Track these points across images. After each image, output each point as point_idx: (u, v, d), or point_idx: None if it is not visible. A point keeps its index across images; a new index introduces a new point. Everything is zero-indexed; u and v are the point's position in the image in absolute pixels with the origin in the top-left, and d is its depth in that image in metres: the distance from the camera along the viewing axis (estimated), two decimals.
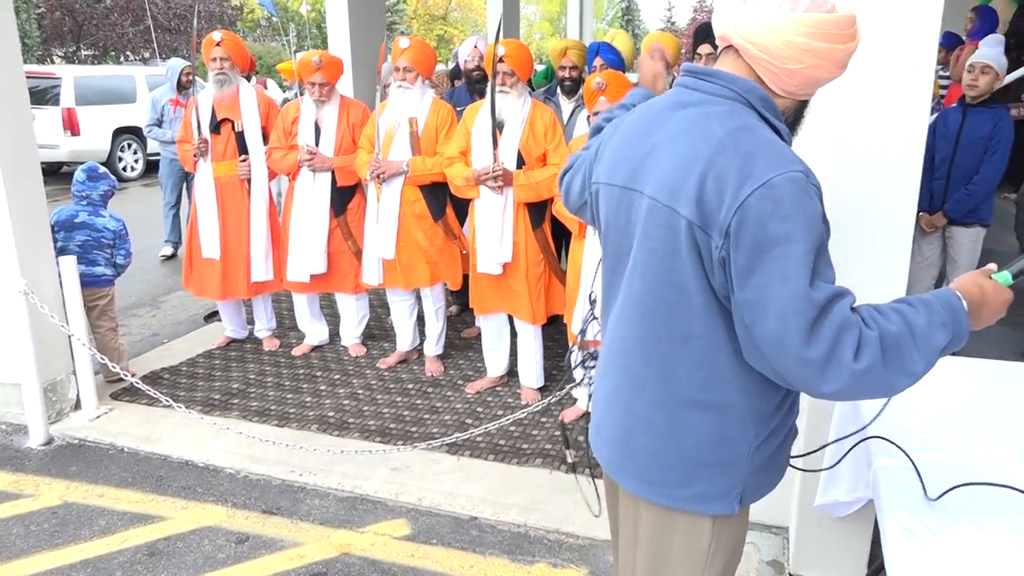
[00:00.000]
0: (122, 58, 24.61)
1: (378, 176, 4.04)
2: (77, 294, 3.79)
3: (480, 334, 4.31)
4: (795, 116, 1.48)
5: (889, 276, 2.40)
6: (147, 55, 23.99)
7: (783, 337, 1.25)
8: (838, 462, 1.89)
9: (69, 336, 3.81)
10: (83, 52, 24.14)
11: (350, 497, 3.23)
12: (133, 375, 3.90)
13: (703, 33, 4.23)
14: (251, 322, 5.01)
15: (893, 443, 1.70)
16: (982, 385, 2.12)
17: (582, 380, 3.62)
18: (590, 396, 2.56)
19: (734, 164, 1.28)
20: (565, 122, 4.37)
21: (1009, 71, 5.44)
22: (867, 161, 2.33)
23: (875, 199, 2.36)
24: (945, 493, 1.54)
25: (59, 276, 3.81)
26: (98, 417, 3.91)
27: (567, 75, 4.48)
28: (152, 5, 22.88)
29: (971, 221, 4.06)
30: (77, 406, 3.98)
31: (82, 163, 4.30)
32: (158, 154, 7.57)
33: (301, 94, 4.46)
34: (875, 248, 2.38)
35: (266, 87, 7.18)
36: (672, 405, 1.44)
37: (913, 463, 1.61)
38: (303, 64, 4.32)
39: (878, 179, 2.35)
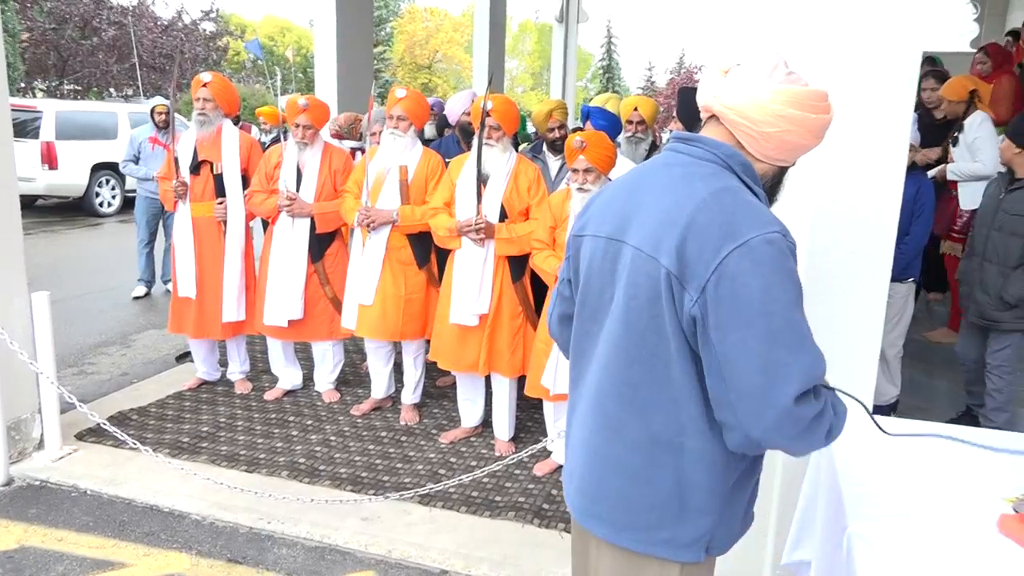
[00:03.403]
0: (105, 94, 24.64)
1: (367, 224, 4.05)
2: (48, 331, 3.72)
3: (455, 383, 4.29)
4: (774, 182, 1.58)
5: (864, 336, 2.45)
6: (130, 92, 24.08)
7: (769, 395, 1.34)
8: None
9: (37, 374, 3.74)
10: (66, 87, 24.14)
11: (319, 547, 3.17)
12: None
13: (685, 95, 4.37)
14: (224, 364, 4.94)
15: None
16: (948, 452, 2.15)
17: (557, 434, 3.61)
18: None
19: (715, 223, 1.37)
20: (553, 178, 4.46)
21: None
22: (843, 226, 2.40)
23: (850, 262, 2.43)
24: None
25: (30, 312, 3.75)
26: (61, 458, 3.81)
27: (556, 135, 4.57)
28: (139, 44, 23.04)
29: (904, 277, 4.30)
30: (40, 446, 3.88)
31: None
32: (135, 191, 7.55)
33: (284, 138, 4.48)
34: (851, 309, 2.44)
35: (250, 132, 7.20)
36: (649, 446, 1.50)
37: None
38: (290, 105, 4.37)
39: (854, 243, 2.42)
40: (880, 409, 4.31)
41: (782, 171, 1.57)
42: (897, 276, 4.29)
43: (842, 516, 1.80)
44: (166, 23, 25.83)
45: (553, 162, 4.58)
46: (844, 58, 2.33)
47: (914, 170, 4.28)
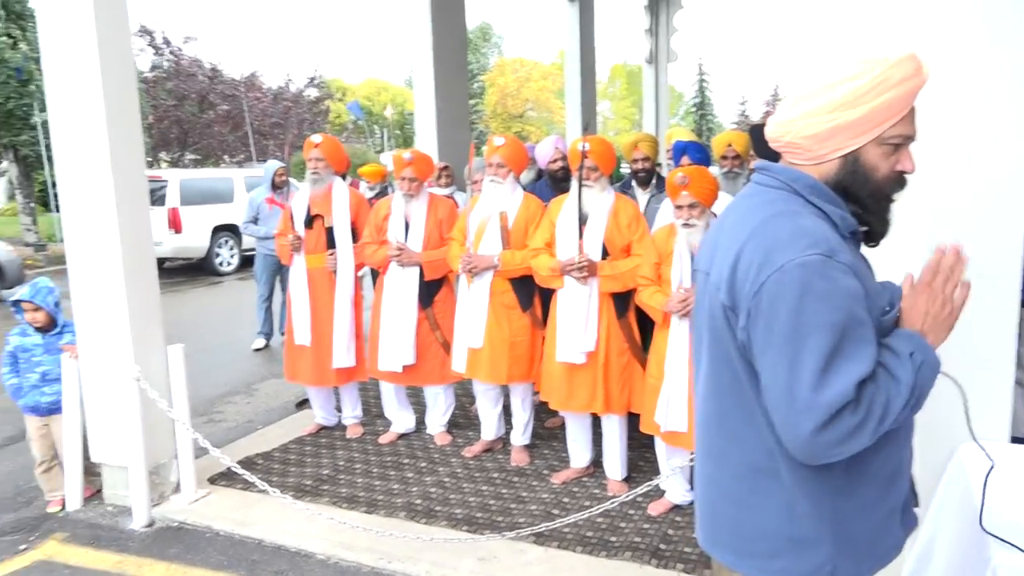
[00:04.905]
0: (220, 162, 26.39)
1: (470, 270, 4.18)
2: (182, 380, 3.99)
3: (564, 424, 4.30)
4: (849, 172, 1.46)
5: (995, 365, 2.34)
6: (242, 158, 25.70)
7: (794, 422, 1.35)
8: None
9: (174, 421, 4.00)
10: (187, 157, 26.01)
11: None
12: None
13: (755, 132, 4.37)
14: (340, 409, 5.14)
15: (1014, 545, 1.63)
16: None
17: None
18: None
19: (758, 251, 1.40)
20: (642, 212, 4.47)
21: None
22: (965, 247, 2.31)
23: (976, 286, 2.32)
24: None
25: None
26: (196, 501, 4.04)
27: (640, 167, 4.61)
28: (250, 113, 24.67)
29: None
30: (177, 489, 4.13)
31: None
32: (253, 249, 8.00)
33: (391, 191, 4.70)
34: (980, 336, 2.32)
35: (358, 188, 7.56)
36: (750, 473, 1.51)
37: None
38: (395, 160, 4.59)
39: (978, 266, 2.31)
40: (1022, 440, 4.04)
41: (854, 161, 1.45)
42: None
43: (984, 548, 1.72)
44: (274, 92, 27.53)
45: (641, 196, 4.61)
46: (956, 69, 2.27)
47: None
